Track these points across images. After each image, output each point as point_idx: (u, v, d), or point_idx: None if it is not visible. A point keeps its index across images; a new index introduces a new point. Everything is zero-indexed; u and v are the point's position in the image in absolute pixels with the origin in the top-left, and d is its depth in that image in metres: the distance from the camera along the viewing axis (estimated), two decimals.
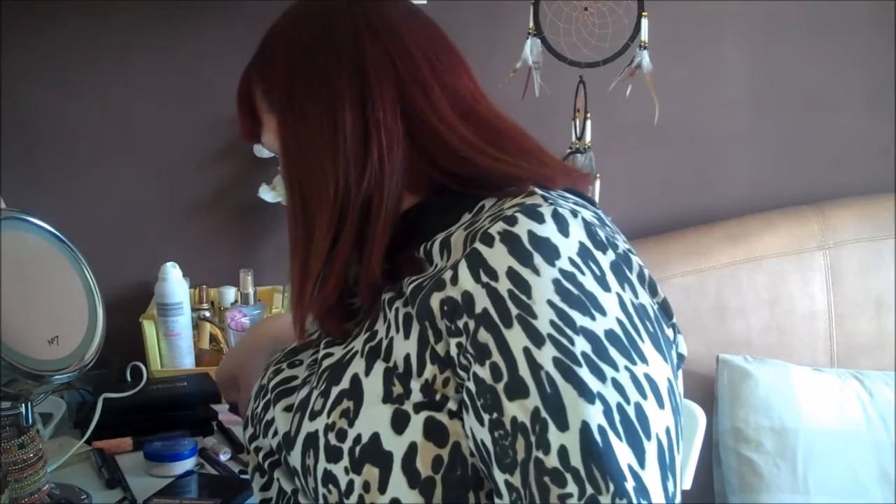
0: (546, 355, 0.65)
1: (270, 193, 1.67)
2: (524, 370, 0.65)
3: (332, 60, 0.79)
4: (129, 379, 1.48)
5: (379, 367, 0.74)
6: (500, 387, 0.66)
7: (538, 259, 0.68)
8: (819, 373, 1.62)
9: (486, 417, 0.67)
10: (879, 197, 1.75)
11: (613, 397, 0.64)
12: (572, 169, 0.85)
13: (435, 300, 0.71)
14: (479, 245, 0.70)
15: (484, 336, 0.68)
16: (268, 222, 1.75)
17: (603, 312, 0.68)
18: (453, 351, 0.70)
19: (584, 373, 0.65)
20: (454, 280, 0.70)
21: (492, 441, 0.67)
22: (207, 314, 1.66)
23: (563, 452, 0.63)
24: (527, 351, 0.66)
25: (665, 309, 0.74)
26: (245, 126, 0.89)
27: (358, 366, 0.75)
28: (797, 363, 1.64)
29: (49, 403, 1.43)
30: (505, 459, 0.66)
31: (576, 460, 0.62)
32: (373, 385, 0.73)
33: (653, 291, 0.73)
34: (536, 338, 0.66)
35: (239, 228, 1.76)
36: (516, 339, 0.66)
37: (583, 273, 0.69)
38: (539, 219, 0.70)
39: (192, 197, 1.73)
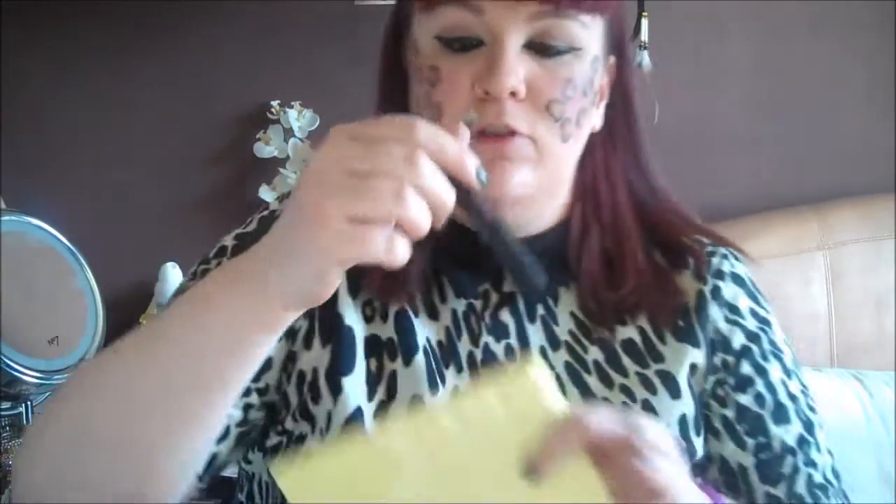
0: (796, 388, 0.79)
1: (270, 193, 1.67)
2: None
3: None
4: None
5: None
6: (766, 413, 0.77)
7: (762, 300, 0.82)
8: (819, 373, 1.62)
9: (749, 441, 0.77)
10: (879, 197, 1.75)
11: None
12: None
13: None
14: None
15: (747, 369, 0.78)
16: None
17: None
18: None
19: (812, 402, 0.80)
20: None
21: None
22: None
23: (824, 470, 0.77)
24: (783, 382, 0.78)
25: None
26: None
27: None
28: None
29: None
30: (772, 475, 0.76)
31: (831, 477, 0.78)
32: None
33: None
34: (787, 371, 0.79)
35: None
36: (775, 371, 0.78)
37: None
38: (743, 261, 0.83)
39: (192, 197, 1.73)
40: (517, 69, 0.67)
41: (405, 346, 0.74)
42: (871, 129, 1.83)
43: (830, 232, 1.71)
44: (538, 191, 0.72)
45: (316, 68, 1.71)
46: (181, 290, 0.80)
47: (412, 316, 0.75)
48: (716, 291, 0.78)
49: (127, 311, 1.61)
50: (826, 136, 1.84)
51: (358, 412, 0.71)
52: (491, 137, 0.69)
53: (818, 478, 0.76)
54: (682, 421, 0.75)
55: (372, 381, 0.73)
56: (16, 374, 1.03)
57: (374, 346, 0.74)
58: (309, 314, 0.62)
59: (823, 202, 1.76)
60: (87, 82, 1.66)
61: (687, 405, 0.75)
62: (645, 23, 1.51)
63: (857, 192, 1.78)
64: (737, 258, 0.83)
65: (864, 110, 1.83)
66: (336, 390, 0.72)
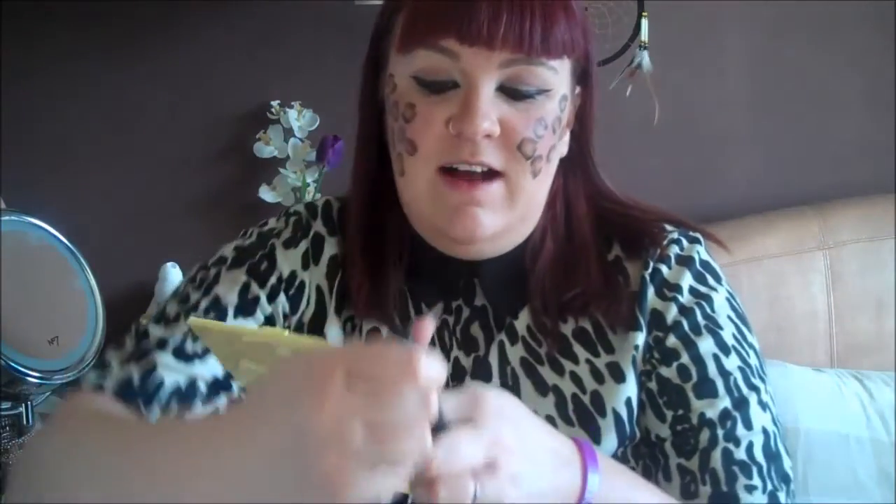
0: (732, 364, 0.77)
1: (270, 193, 1.67)
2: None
3: None
4: None
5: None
6: (688, 386, 0.77)
7: (712, 280, 0.82)
8: (819, 373, 1.62)
9: (668, 413, 0.77)
10: (879, 197, 1.75)
11: (773, 408, 0.78)
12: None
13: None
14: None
15: (673, 342, 0.78)
16: None
17: (751, 332, 0.81)
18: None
19: (760, 384, 0.77)
20: None
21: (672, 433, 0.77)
22: None
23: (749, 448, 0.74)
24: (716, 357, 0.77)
25: None
26: (551, 40, 0.72)
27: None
28: (797, 363, 1.64)
29: (49, 403, 1.43)
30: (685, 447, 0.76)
31: (760, 457, 0.74)
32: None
33: None
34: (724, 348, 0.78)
35: (239, 228, 1.74)
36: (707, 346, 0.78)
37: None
38: (700, 243, 0.83)
39: (192, 197, 1.73)
40: (490, 112, 0.71)
41: None
42: (871, 129, 1.84)
43: (830, 232, 1.71)
44: (507, 227, 0.76)
45: (316, 68, 1.71)
46: (182, 298, 0.83)
47: (382, 333, 0.80)
48: (655, 273, 0.80)
49: (127, 311, 1.61)
50: (826, 136, 1.84)
51: None
52: (464, 181, 0.72)
53: (739, 454, 0.74)
54: (629, 403, 0.78)
55: None
56: (16, 374, 1.03)
57: None
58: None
59: (823, 202, 1.76)
60: (87, 82, 1.67)
61: (631, 388, 0.78)
62: (645, 23, 1.51)
63: (857, 192, 1.78)
64: (692, 241, 0.83)
65: (864, 110, 1.83)
66: None
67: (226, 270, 0.84)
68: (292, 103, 1.67)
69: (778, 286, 1.69)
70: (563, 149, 0.80)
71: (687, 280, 0.80)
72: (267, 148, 1.67)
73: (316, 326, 0.80)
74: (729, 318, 0.80)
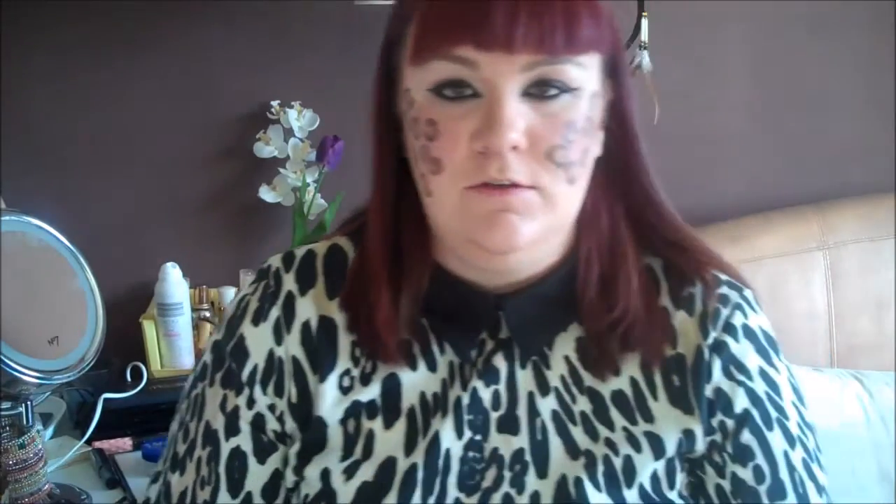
0: (797, 457, 0.75)
1: (270, 193, 1.67)
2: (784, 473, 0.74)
3: None
4: (129, 379, 1.49)
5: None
6: (762, 489, 0.73)
7: (774, 357, 0.78)
8: (819, 373, 1.62)
9: None
10: (879, 197, 1.75)
11: (827, 490, 0.76)
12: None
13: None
14: (726, 337, 0.76)
15: (747, 438, 0.74)
16: (268, 222, 1.75)
17: (805, 404, 0.78)
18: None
19: (817, 469, 0.76)
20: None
21: None
22: (207, 314, 1.66)
23: None
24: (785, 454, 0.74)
25: None
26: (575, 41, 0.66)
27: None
28: (797, 363, 1.64)
29: (49, 403, 1.43)
30: None
31: None
32: None
33: None
34: (790, 440, 0.75)
35: (239, 228, 1.76)
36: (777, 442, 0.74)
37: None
38: (758, 310, 0.79)
39: (192, 197, 1.73)
40: (517, 122, 0.65)
41: (388, 409, 0.75)
42: (871, 129, 1.84)
43: (830, 232, 1.71)
44: (544, 235, 0.71)
45: (316, 68, 1.71)
46: (184, 431, 0.78)
47: (401, 377, 0.76)
48: (720, 346, 0.76)
49: (127, 311, 1.62)
50: (826, 136, 1.84)
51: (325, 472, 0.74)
52: (496, 189, 0.67)
53: None
54: (654, 477, 0.73)
55: (349, 443, 0.74)
56: (16, 374, 1.03)
57: (352, 409, 0.75)
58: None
59: (823, 202, 1.76)
60: (87, 82, 1.66)
61: (660, 463, 0.74)
62: (645, 23, 1.51)
63: (857, 192, 1.78)
64: (752, 306, 0.79)
65: (864, 110, 1.83)
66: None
67: (208, 387, 0.77)
68: (292, 103, 1.67)
69: (778, 286, 1.69)
70: (596, 150, 0.73)
71: (754, 360, 0.76)
72: (267, 148, 1.67)
73: (303, 402, 0.75)
74: (793, 403, 0.77)
